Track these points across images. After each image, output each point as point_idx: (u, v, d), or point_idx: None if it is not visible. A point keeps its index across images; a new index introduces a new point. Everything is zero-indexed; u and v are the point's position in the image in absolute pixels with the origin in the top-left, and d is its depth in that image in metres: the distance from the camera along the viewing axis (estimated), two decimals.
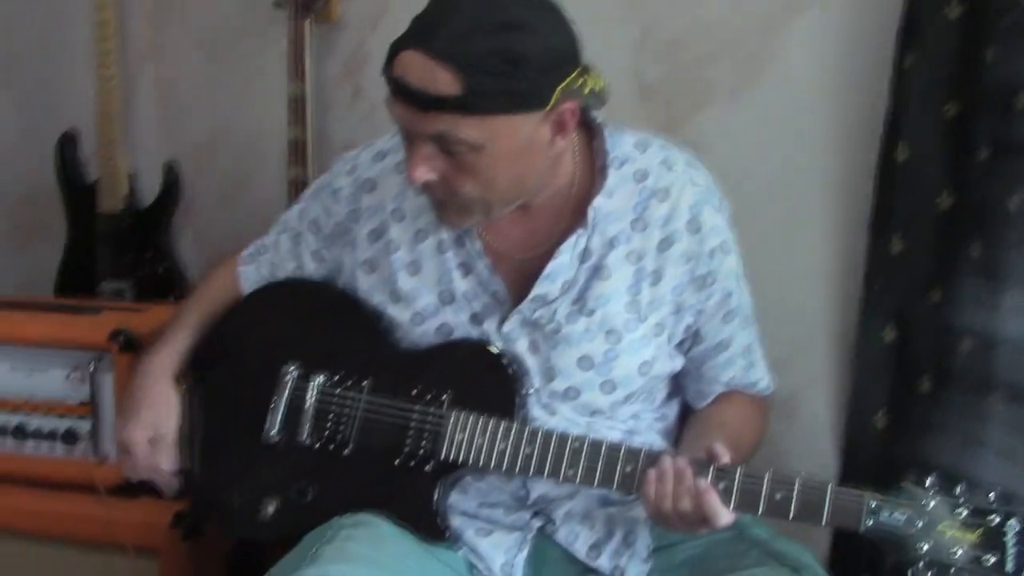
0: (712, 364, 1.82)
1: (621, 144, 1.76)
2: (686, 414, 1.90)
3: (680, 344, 1.79)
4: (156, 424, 1.85)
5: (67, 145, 2.90)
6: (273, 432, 1.80)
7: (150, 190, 2.87)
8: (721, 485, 1.55)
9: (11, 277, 3.11)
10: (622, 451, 1.62)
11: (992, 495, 1.50)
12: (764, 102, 2.32)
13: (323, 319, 1.88)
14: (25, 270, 3.11)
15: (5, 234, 3.16)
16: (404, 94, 1.53)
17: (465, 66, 1.48)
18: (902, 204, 2.14)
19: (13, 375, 2.34)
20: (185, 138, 2.92)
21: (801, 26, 2.27)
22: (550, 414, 1.73)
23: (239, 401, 1.86)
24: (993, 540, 1.46)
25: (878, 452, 2.22)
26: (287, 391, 1.81)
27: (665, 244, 1.72)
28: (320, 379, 1.80)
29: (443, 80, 1.49)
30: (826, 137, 2.27)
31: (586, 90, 1.59)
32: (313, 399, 1.79)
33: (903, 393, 2.18)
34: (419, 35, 1.52)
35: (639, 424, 1.80)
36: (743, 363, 1.84)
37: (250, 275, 2.00)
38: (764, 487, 1.55)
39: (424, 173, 1.59)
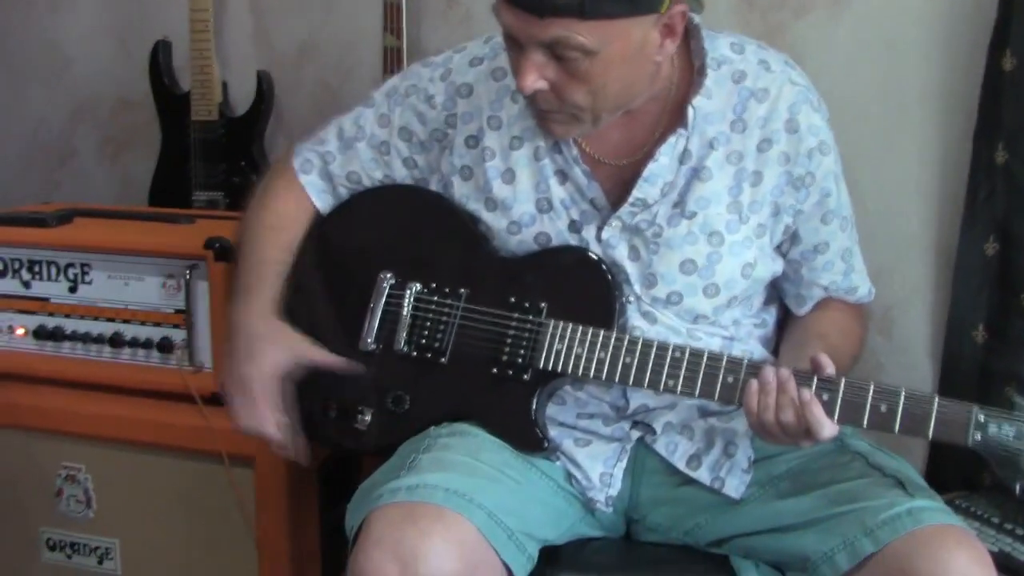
0: (811, 266, 1.83)
1: (718, 46, 1.75)
2: (785, 322, 1.91)
3: (780, 246, 1.80)
4: (292, 351, 1.85)
5: (160, 54, 2.93)
6: (369, 340, 1.82)
7: (243, 99, 2.89)
8: (825, 396, 1.56)
9: (106, 186, 3.18)
10: (723, 361, 1.63)
11: None
12: (865, 9, 2.31)
13: (418, 226, 1.88)
14: (120, 179, 3.18)
15: (100, 144, 3.20)
16: (518, 1, 1.54)
17: None
18: (1008, 114, 2.13)
19: (109, 284, 2.37)
20: (278, 47, 2.93)
21: None
22: (651, 322, 1.75)
23: (335, 309, 1.87)
24: None
25: (977, 367, 2.23)
26: (383, 299, 1.83)
27: (765, 145, 1.72)
28: (416, 287, 1.81)
29: None
30: (929, 45, 2.26)
31: None
32: (409, 307, 1.81)
33: (1004, 308, 2.19)
34: None
35: (739, 331, 1.81)
36: (842, 267, 1.84)
37: (317, 185, 1.97)
38: (869, 399, 1.55)
39: (535, 81, 1.58)
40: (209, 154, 2.88)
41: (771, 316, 1.89)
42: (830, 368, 1.58)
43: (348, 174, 1.95)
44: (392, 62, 2.60)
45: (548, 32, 1.53)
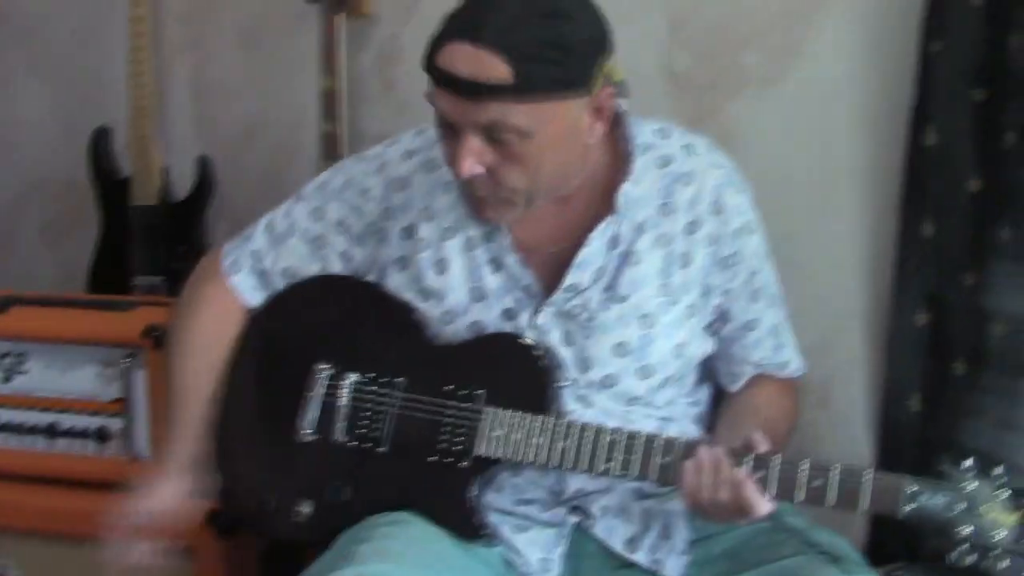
0: (742, 344, 1.86)
1: (643, 132, 1.80)
2: (718, 400, 1.94)
3: (710, 325, 1.83)
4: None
5: (101, 140, 2.93)
6: (308, 431, 1.82)
7: (184, 184, 2.89)
8: (759, 474, 1.58)
9: (45, 273, 3.16)
10: (658, 442, 1.65)
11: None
12: (794, 91, 2.36)
13: (355, 316, 1.89)
14: (59, 265, 3.16)
15: (39, 229, 3.20)
16: (452, 85, 1.57)
17: (516, 54, 1.53)
18: (932, 188, 2.17)
19: (46, 373, 2.36)
20: (218, 132, 2.95)
21: (828, 14, 2.31)
22: (586, 406, 1.76)
23: (272, 401, 1.87)
24: None
25: (914, 437, 2.25)
26: (321, 390, 1.83)
27: (692, 227, 1.76)
28: (354, 377, 1.82)
29: (494, 68, 1.54)
30: (855, 124, 2.31)
31: (616, 77, 1.67)
32: (347, 397, 1.82)
33: (937, 377, 2.21)
34: (464, 27, 1.57)
35: (674, 411, 1.83)
36: (772, 343, 1.88)
37: (248, 283, 1.96)
38: (802, 475, 1.57)
39: (472, 166, 1.62)
40: (149, 239, 2.88)
41: (705, 395, 1.92)
42: (763, 446, 1.61)
43: (283, 270, 1.94)
44: (330, 147, 2.62)
45: (484, 115, 1.57)
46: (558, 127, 1.61)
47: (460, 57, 1.56)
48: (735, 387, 1.91)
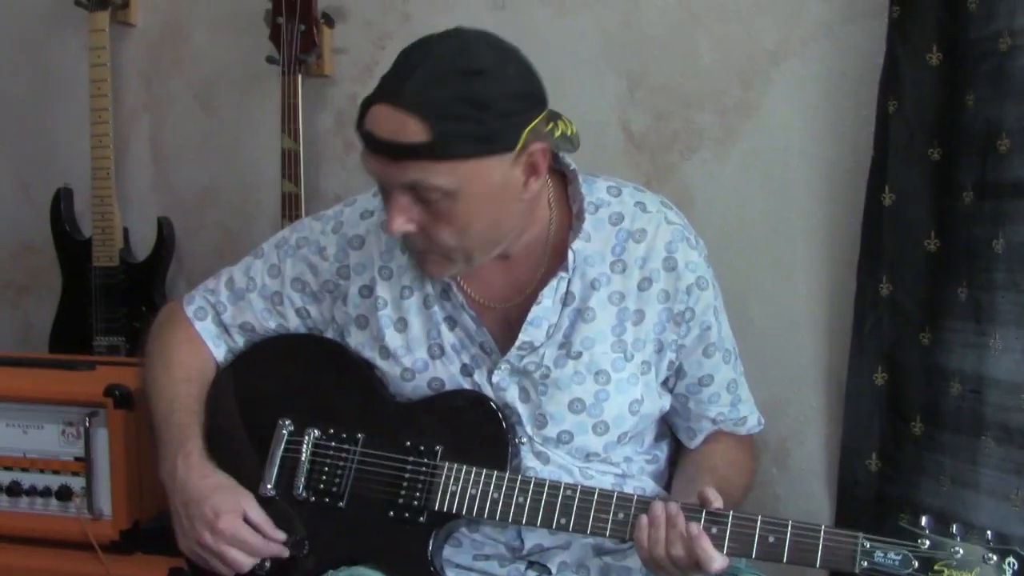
0: (697, 400, 1.84)
1: (595, 189, 1.79)
2: (676, 457, 1.92)
3: (666, 381, 1.82)
4: (240, 508, 1.78)
5: (62, 201, 2.91)
6: (269, 487, 1.80)
7: (144, 244, 2.88)
8: (714, 529, 1.57)
9: (6, 332, 3.13)
10: (614, 498, 1.63)
11: (989, 534, 1.50)
12: (750, 150, 2.36)
13: (316, 373, 1.88)
14: (20, 325, 3.13)
15: (1, 289, 3.17)
16: (376, 147, 1.57)
17: (432, 113, 1.52)
18: (889, 247, 2.17)
19: (7, 432, 2.32)
20: (179, 192, 2.94)
21: (785, 74, 2.31)
22: (544, 462, 1.75)
23: (237, 457, 1.85)
24: None
25: (872, 495, 2.23)
26: (282, 446, 1.82)
27: (645, 283, 1.75)
28: (314, 433, 1.81)
29: (412, 129, 1.53)
30: (812, 183, 2.30)
31: (556, 133, 1.66)
32: (307, 453, 1.80)
33: (895, 436, 2.20)
34: (386, 89, 1.57)
35: (631, 467, 1.82)
36: (729, 398, 1.86)
37: (211, 331, 1.96)
38: (756, 530, 1.56)
39: (402, 224, 1.61)
40: (110, 299, 2.85)
41: (663, 452, 1.90)
42: (718, 501, 1.59)
43: (242, 324, 1.95)
44: (290, 207, 2.60)
45: (407, 175, 1.57)
46: (484, 185, 1.59)
47: (382, 119, 1.56)
48: (693, 444, 1.89)
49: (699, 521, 1.57)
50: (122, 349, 2.84)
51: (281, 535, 1.77)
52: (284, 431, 1.83)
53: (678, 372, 1.82)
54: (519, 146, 1.58)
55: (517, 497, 1.67)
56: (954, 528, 1.51)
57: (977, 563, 1.48)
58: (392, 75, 1.58)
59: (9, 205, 3.12)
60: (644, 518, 1.59)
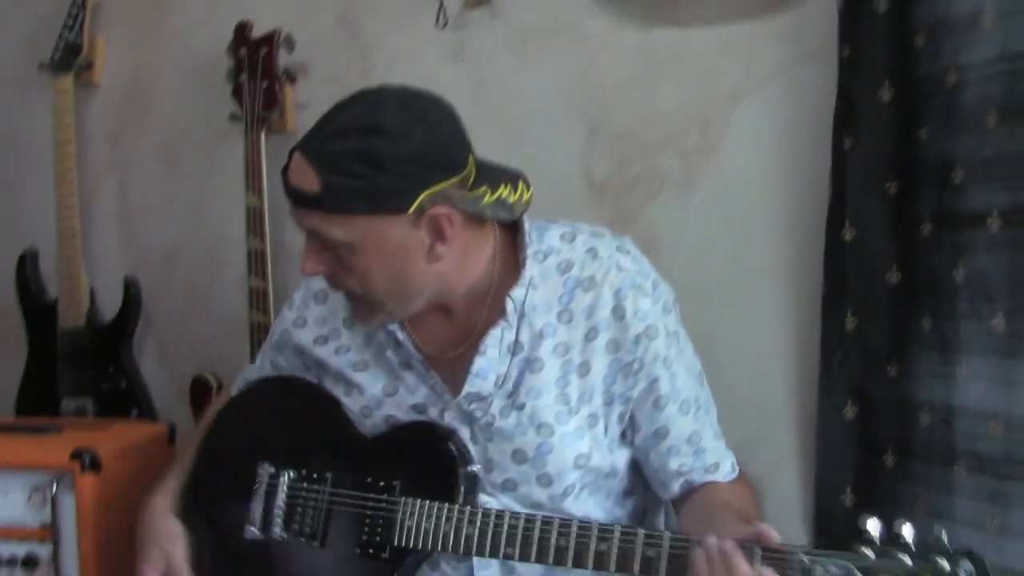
0: (657, 452, 1.79)
1: (547, 238, 1.78)
2: (649, 514, 1.90)
3: (624, 435, 1.79)
4: (166, 557, 1.86)
5: (27, 263, 2.91)
6: (253, 528, 1.83)
7: (111, 304, 2.87)
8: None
9: None
10: (555, 525, 1.62)
11: (944, 536, 1.42)
12: (712, 191, 2.36)
13: (293, 415, 1.91)
14: None
15: None
16: (285, 191, 1.62)
17: (325, 166, 1.56)
18: (853, 282, 2.17)
19: None
20: (145, 252, 2.93)
21: (743, 116, 2.32)
22: (494, 500, 1.75)
23: (227, 503, 1.88)
24: None
25: (849, 530, 2.15)
26: (263, 488, 1.85)
27: (592, 334, 1.72)
28: (290, 475, 1.83)
29: (308, 179, 1.57)
30: (774, 222, 2.30)
31: (488, 199, 1.65)
32: (284, 495, 1.83)
33: (868, 469, 2.19)
34: (304, 137, 1.61)
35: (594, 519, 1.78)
36: (689, 451, 1.79)
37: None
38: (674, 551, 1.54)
39: (312, 267, 1.66)
40: (77, 361, 2.84)
41: (634, 505, 1.88)
42: (774, 532, 1.51)
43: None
44: (257, 263, 2.60)
45: (307, 222, 1.62)
46: (380, 243, 1.62)
47: (293, 166, 1.63)
48: (667, 495, 1.85)
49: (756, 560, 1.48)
50: (90, 410, 2.82)
51: None
52: (265, 474, 1.85)
53: (632, 425, 1.78)
54: (413, 209, 1.59)
55: (466, 528, 1.67)
56: (904, 531, 1.43)
57: (927, 570, 1.39)
58: (314, 125, 1.63)
59: None
60: (699, 552, 1.51)
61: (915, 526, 1.43)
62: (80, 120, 2.87)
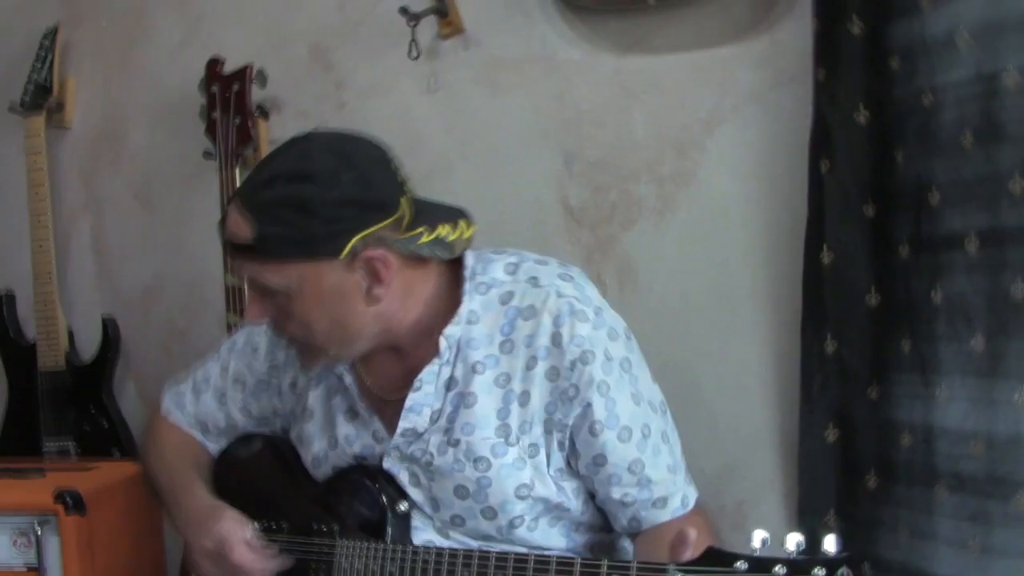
0: (598, 481, 1.74)
1: (492, 269, 1.75)
2: (612, 546, 1.86)
3: (569, 464, 1.75)
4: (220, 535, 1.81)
5: (4, 306, 2.88)
6: None
7: (90, 345, 2.85)
8: None
9: None
10: (492, 558, 1.60)
11: (829, 545, 1.37)
12: (689, 218, 2.34)
13: (261, 469, 1.95)
14: None
15: None
16: (223, 242, 1.64)
17: (257, 215, 1.57)
18: (831, 305, 2.16)
19: None
20: (122, 291, 2.91)
21: (718, 142, 2.31)
22: (445, 539, 1.75)
23: None
24: None
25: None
26: None
27: (532, 362, 1.69)
28: (255, 526, 1.82)
29: (242, 228, 1.58)
30: (752, 246, 2.29)
31: (426, 239, 1.64)
32: None
33: (850, 492, 2.17)
34: (239, 187, 1.64)
35: (554, 549, 1.77)
36: (632, 479, 1.73)
37: (184, 421, 2.04)
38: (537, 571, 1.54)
39: (256, 314, 1.67)
40: (58, 402, 2.81)
41: (589, 540, 1.83)
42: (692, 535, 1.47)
43: (200, 422, 2.02)
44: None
45: (244, 271, 1.64)
46: (316, 288, 1.61)
47: (229, 216, 1.63)
48: (618, 527, 1.80)
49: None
50: (72, 451, 2.80)
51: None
52: None
53: (573, 452, 1.74)
54: (345, 253, 1.58)
55: (389, 566, 1.68)
56: (789, 542, 1.37)
57: None
58: (248, 175, 1.65)
59: None
60: None
61: (805, 537, 1.38)
62: (53, 160, 2.85)
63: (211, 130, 2.62)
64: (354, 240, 1.58)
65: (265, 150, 2.63)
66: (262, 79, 2.60)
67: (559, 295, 1.71)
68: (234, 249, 1.62)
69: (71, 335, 2.85)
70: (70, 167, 2.93)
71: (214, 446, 2.04)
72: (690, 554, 1.43)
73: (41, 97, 2.80)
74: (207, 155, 2.63)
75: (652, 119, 2.37)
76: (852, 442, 2.17)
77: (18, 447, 2.84)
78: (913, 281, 2.03)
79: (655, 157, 2.37)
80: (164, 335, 2.87)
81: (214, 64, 2.63)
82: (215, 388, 1.99)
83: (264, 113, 2.64)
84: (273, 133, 2.66)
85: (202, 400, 2.01)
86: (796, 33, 2.19)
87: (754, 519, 2.31)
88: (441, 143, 2.54)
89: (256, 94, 2.61)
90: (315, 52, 2.68)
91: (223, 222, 1.65)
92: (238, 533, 1.77)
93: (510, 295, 1.72)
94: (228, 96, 2.59)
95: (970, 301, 1.95)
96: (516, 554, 1.58)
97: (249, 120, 2.59)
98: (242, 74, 2.60)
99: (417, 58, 2.49)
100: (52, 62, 2.81)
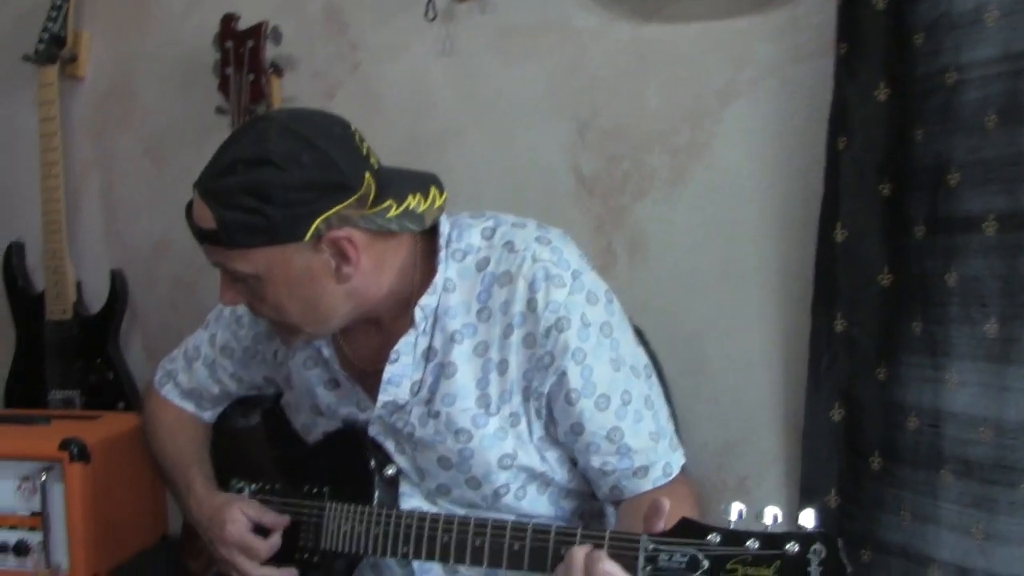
0: (577, 449, 1.70)
1: (466, 236, 1.70)
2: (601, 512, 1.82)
3: (549, 432, 1.71)
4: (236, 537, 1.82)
5: (13, 255, 2.87)
6: None
7: (98, 297, 2.82)
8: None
9: None
10: (471, 524, 1.57)
11: (807, 521, 1.32)
12: (702, 190, 2.29)
13: (256, 433, 1.96)
14: None
15: None
16: (190, 229, 1.60)
17: (218, 203, 1.53)
18: (843, 284, 2.11)
19: None
20: (131, 245, 2.88)
21: (734, 114, 2.26)
22: (432, 505, 1.74)
23: None
24: (793, 573, 1.28)
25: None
26: None
27: (508, 331, 1.65)
28: (250, 488, 1.87)
29: (204, 216, 1.55)
30: (765, 220, 2.24)
31: (392, 212, 1.58)
32: None
33: (854, 472, 2.13)
34: (200, 174, 1.58)
35: (542, 517, 1.74)
36: (611, 447, 1.68)
37: (175, 393, 2.05)
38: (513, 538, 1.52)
39: (230, 299, 1.64)
40: (64, 353, 2.78)
41: (576, 507, 1.80)
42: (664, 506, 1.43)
43: (191, 389, 2.02)
44: None
45: (213, 258, 1.61)
46: (284, 271, 1.58)
47: (194, 203, 1.59)
48: (600, 496, 1.76)
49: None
50: (78, 402, 2.77)
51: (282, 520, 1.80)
52: (232, 490, 1.89)
53: (552, 420, 1.69)
54: (309, 236, 1.53)
55: (373, 528, 1.66)
56: (767, 515, 1.33)
57: (778, 556, 1.29)
58: (208, 162, 1.59)
59: None
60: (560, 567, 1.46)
61: (782, 510, 1.34)
62: (65, 114, 2.80)
63: (224, 86, 2.56)
64: (317, 222, 1.53)
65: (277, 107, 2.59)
66: (276, 36, 2.54)
67: (534, 259, 1.65)
68: (200, 236, 1.58)
69: (79, 287, 2.82)
70: (82, 120, 2.89)
71: (209, 414, 2.03)
72: (663, 525, 1.40)
73: (55, 48, 2.75)
74: (219, 111, 2.58)
75: (668, 89, 2.32)
76: (858, 422, 2.13)
77: (24, 397, 2.82)
78: (927, 262, 1.98)
79: (669, 128, 2.31)
80: (171, 289, 2.84)
81: (229, 19, 2.57)
82: (205, 357, 1.98)
83: (278, 71, 2.57)
84: (286, 91, 2.60)
85: (194, 370, 1.99)
86: (817, 7, 2.14)
87: (756, 495, 2.28)
88: (454, 107, 2.50)
89: (270, 51, 2.54)
90: (330, 11, 2.62)
91: (189, 206, 1.61)
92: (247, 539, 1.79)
93: (486, 261, 1.67)
94: (242, 52, 2.54)
95: (985, 285, 1.91)
96: (494, 520, 1.55)
97: (263, 77, 2.53)
98: (257, 30, 2.53)
99: (434, 19, 2.44)
100: (67, 13, 2.76)
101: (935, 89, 1.94)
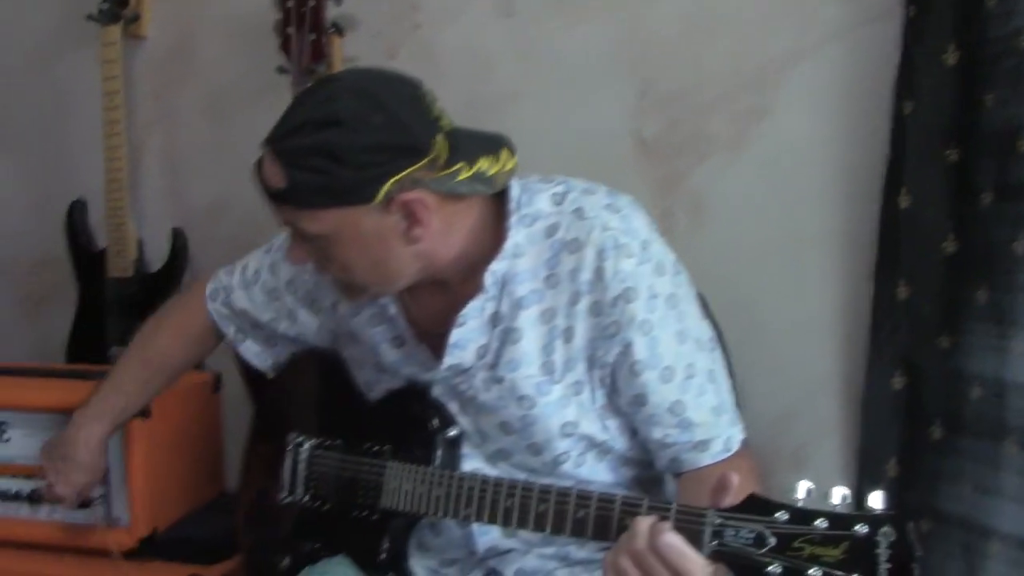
0: (638, 420, 1.66)
1: (536, 201, 1.65)
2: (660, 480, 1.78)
3: (612, 401, 1.67)
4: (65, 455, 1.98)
5: (76, 213, 2.86)
6: (283, 494, 1.85)
7: (158, 255, 2.81)
8: None
9: (23, 344, 3.07)
10: (535, 491, 1.52)
11: (874, 502, 1.25)
12: (764, 154, 2.26)
13: (315, 386, 1.93)
14: (37, 337, 3.07)
15: (17, 302, 3.11)
16: (259, 188, 1.57)
17: (288, 163, 1.50)
18: (906, 250, 2.08)
19: (27, 441, 2.27)
20: (192, 204, 2.88)
21: (798, 79, 2.22)
22: (493, 467, 1.70)
23: (269, 471, 1.91)
24: (861, 555, 1.22)
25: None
26: (291, 458, 1.85)
27: (575, 298, 1.60)
28: (310, 443, 1.84)
29: (275, 176, 1.52)
30: (827, 186, 2.20)
31: (464, 175, 1.54)
32: (304, 462, 1.84)
33: (914, 441, 2.10)
34: (270, 133, 1.54)
35: (598, 484, 1.68)
36: (673, 420, 1.64)
37: (221, 313, 2.01)
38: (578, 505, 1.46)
39: (297, 258, 1.63)
40: (125, 310, 2.78)
41: (635, 475, 1.74)
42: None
43: (242, 310, 1.97)
44: None
45: (282, 217, 1.58)
46: (353, 233, 1.54)
47: (264, 162, 1.56)
48: (659, 467, 1.72)
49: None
50: None
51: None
52: (292, 444, 1.86)
53: (614, 390, 1.65)
54: (380, 199, 1.49)
55: (435, 490, 1.62)
56: (835, 495, 1.26)
57: (846, 537, 1.23)
58: (279, 119, 1.56)
59: (25, 219, 3.06)
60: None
61: (851, 490, 1.27)
62: (127, 73, 2.79)
63: (285, 46, 2.52)
64: (388, 185, 1.49)
65: (338, 68, 2.55)
66: None
67: (604, 228, 1.60)
68: (270, 196, 1.55)
69: (140, 245, 2.81)
70: (144, 79, 2.88)
71: (249, 343, 1.99)
72: (731, 500, 1.34)
73: (118, 7, 2.74)
74: (280, 71, 2.54)
75: (731, 52, 2.28)
76: (919, 391, 2.10)
77: (86, 353, 2.83)
78: (994, 229, 1.95)
79: (731, 92, 2.28)
80: (230, 248, 2.74)
81: None
82: (264, 284, 1.94)
83: (339, 30, 2.53)
84: (347, 51, 2.56)
85: (251, 293, 1.96)
86: None
87: (813, 462, 2.25)
88: (514, 69, 2.46)
89: (331, 11, 2.51)
90: None
91: (259, 165, 1.58)
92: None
93: (555, 227, 1.63)
94: (304, 12, 2.50)
95: None
96: (559, 488, 1.51)
97: (323, 37, 2.49)
98: None
99: None
100: None
101: (1007, 52, 1.90)
